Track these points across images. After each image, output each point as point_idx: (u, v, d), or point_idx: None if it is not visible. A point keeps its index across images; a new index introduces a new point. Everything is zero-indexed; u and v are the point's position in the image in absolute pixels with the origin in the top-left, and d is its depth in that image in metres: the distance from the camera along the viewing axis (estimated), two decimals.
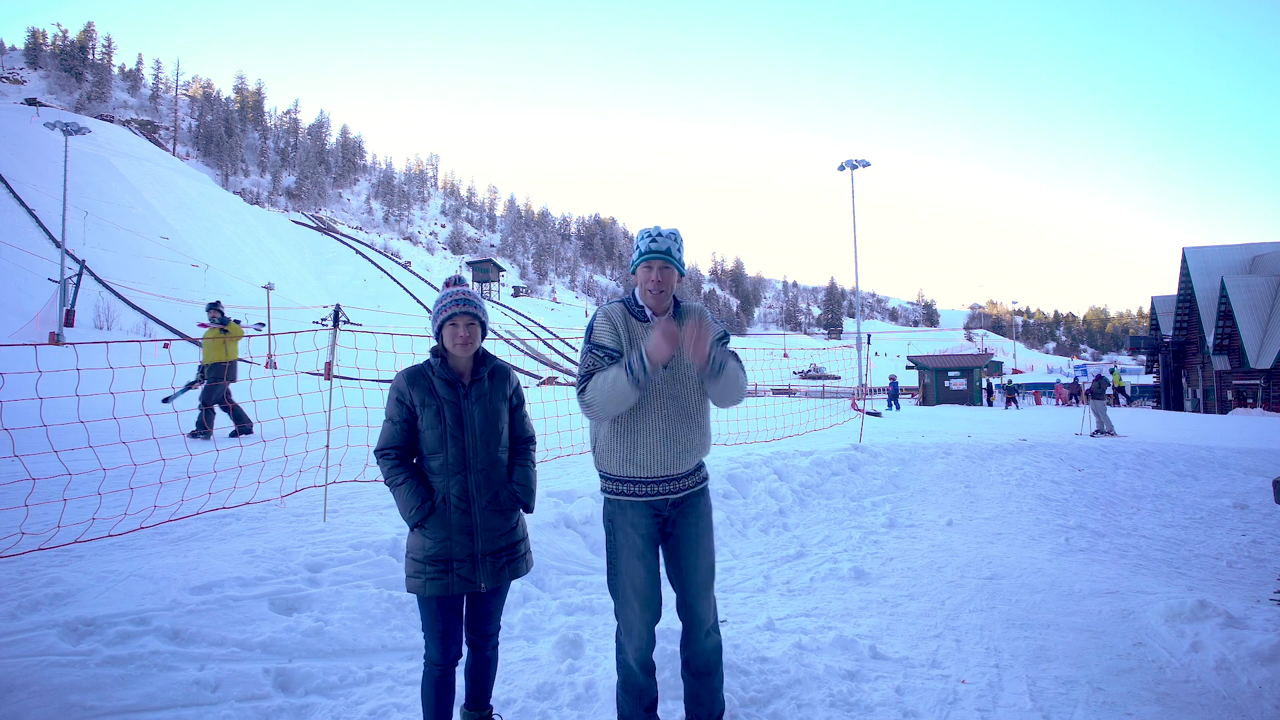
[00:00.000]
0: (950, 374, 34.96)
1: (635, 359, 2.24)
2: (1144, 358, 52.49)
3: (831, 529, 5.89)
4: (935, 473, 7.80)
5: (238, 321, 9.10)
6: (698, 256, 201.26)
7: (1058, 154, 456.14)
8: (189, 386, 8.19)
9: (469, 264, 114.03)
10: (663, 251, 2.39)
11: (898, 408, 24.06)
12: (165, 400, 6.78)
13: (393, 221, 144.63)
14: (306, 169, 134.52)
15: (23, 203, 50.95)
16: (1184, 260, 40.99)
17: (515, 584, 2.68)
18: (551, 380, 36.56)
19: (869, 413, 15.33)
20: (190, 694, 2.66)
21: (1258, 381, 34.33)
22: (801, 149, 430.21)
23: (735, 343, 2.69)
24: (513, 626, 3.61)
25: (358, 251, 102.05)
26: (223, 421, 8.44)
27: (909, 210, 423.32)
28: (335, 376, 5.11)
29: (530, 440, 2.61)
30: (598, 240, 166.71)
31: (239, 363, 8.93)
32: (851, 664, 3.23)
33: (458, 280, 2.51)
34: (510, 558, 2.45)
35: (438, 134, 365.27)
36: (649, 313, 2.46)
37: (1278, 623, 3.55)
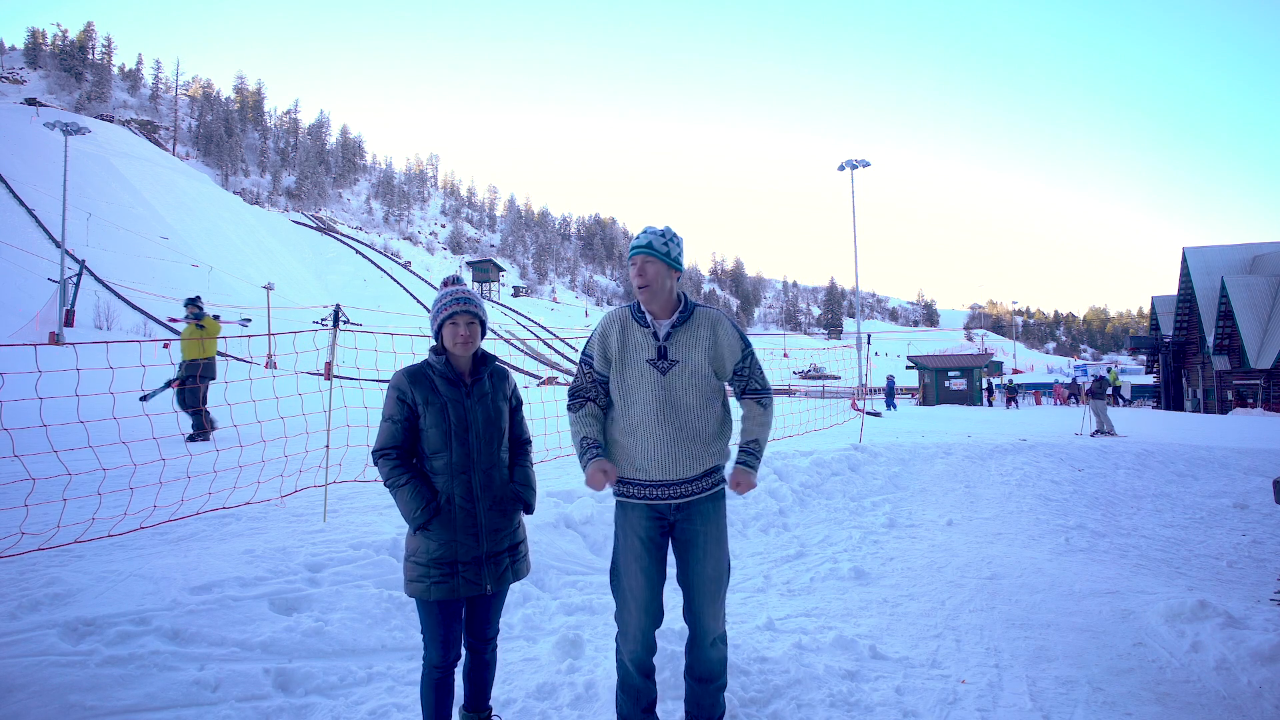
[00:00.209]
0: (950, 374, 34.99)
1: (584, 457, 2.44)
2: (1144, 358, 52.48)
3: (831, 529, 5.89)
4: (935, 473, 7.80)
5: (216, 317, 8.84)
6: (698, 256, 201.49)
7: (1058, 154, 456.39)
8: (168, 385, 8.00)
9: (469, 264, 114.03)
10: (643, 245, 2.38)
11: (894, 407, 24.11)
12: (143, 399, 6.68)
13: (393, 221, 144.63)
14: (306, 169, 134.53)
15: (22, 203, 50.94)
16: (1184, 260, 41.00)
17: (515, 584, 2.68)
18: (551, 380, 36.56)
19: (869, 413, 15.33)
20: (190, 694, 2.66)
21: (1258, 381, 34.34)
22: (801, 149, 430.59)
23: None
24: (513, 626, 3.61)
25: (358, 251, 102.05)
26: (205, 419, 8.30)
27: (909, 210, 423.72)
28: (335, 376, 5.11)
29: (529, 442, 2.61)
30: (598, 240, 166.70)
31: (217, 360, 8.56)
32: (851, 664, 3.23)
33: (456, 280, 2.50)
34: (513, 559, 2.45)
35: (438, 134, 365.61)
36: (648, 317, 2.44)
37: (1278, 623, 3.55)
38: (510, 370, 2.64)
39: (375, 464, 2.37)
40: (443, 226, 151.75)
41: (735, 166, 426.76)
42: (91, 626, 2.90)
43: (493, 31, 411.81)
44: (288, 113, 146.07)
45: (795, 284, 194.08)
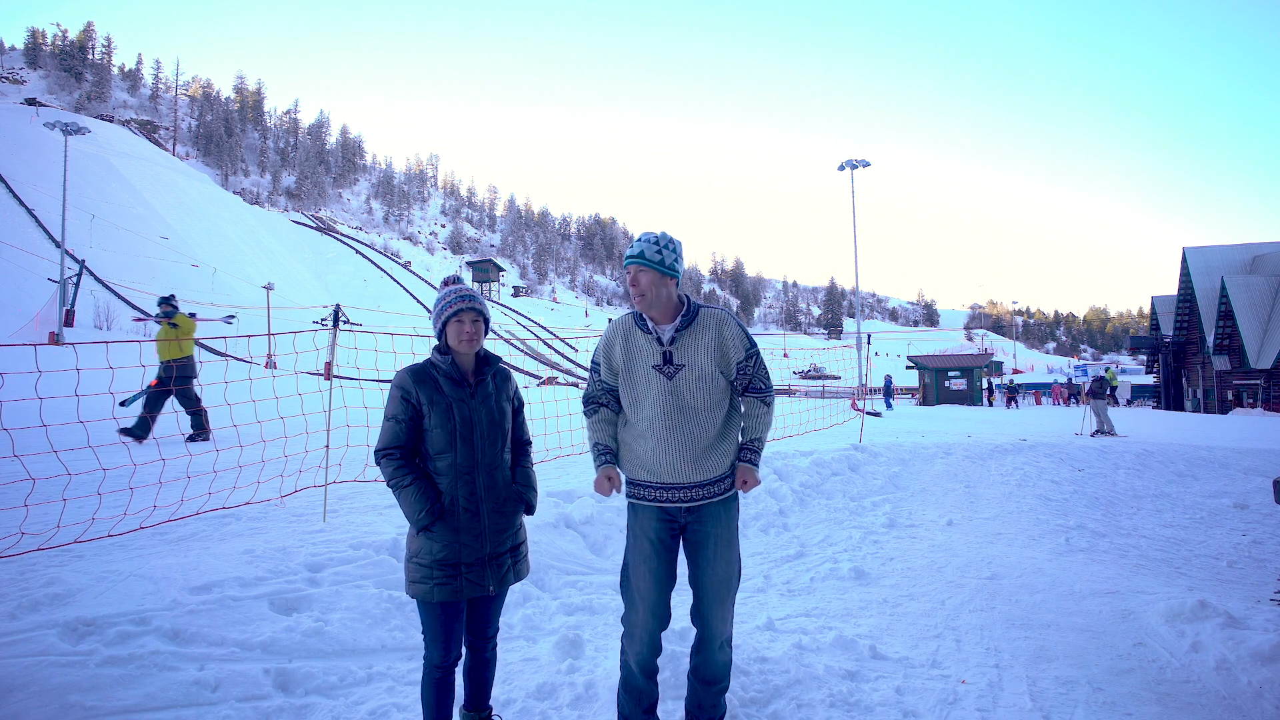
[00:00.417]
0: (950, 374, 35.00)
1: (596, 461, 2.52)
2: (1144, 358, 52.51)
3: (831, 529, 5.89)
4: (935, 473, 7.80)
5: (192, 315, 8.66)
6: (698, 256, 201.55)
7: (1058, 154, 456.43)
8: (149, 388, 7.78)
9: (469, 264, 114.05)
10: (635, 255, 2.37)
11: (891, 407, 24.15)
12: (123, 404, 6.50)
13: (393, 221, 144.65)
14: (306, 169, 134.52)
15: (22, 203, 50.94)
16: (1184, 260, 41.00)
17: (515, 584, 2.67)
18: (551, 380, 36.55)
19: (869, 413, 15.33)
20: (190, 694, 2.66)
21: (1258, 381, 34.35)
22: (801, 149, 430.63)
23: None
24: (513, 626, 3.61)
25: (358, 251, 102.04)
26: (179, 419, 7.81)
27: (909, 210, 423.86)
28: (335, 376, 5.11)
29: (529, 443, 2.62)
30: (598, 240, 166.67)
31: (194, 359, 8.32)
32: (851, 664, 3.23)
33: (456, 279, 2.49)
34: (514, 560, 2.45)
35: (438, 134, 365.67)
36: (650, 324, 2.44)
37: (1278, 623, 3.55)
38: (511, 370, 2.63)
39: (378, 464, 2.35)
40: (443, 226, 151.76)
41: (735, 166, 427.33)
42: (91, 626, 2.90)
43: (493, 31, 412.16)
44: (288, 113, 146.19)
45: (795, 284, 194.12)
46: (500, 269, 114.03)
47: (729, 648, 2.50)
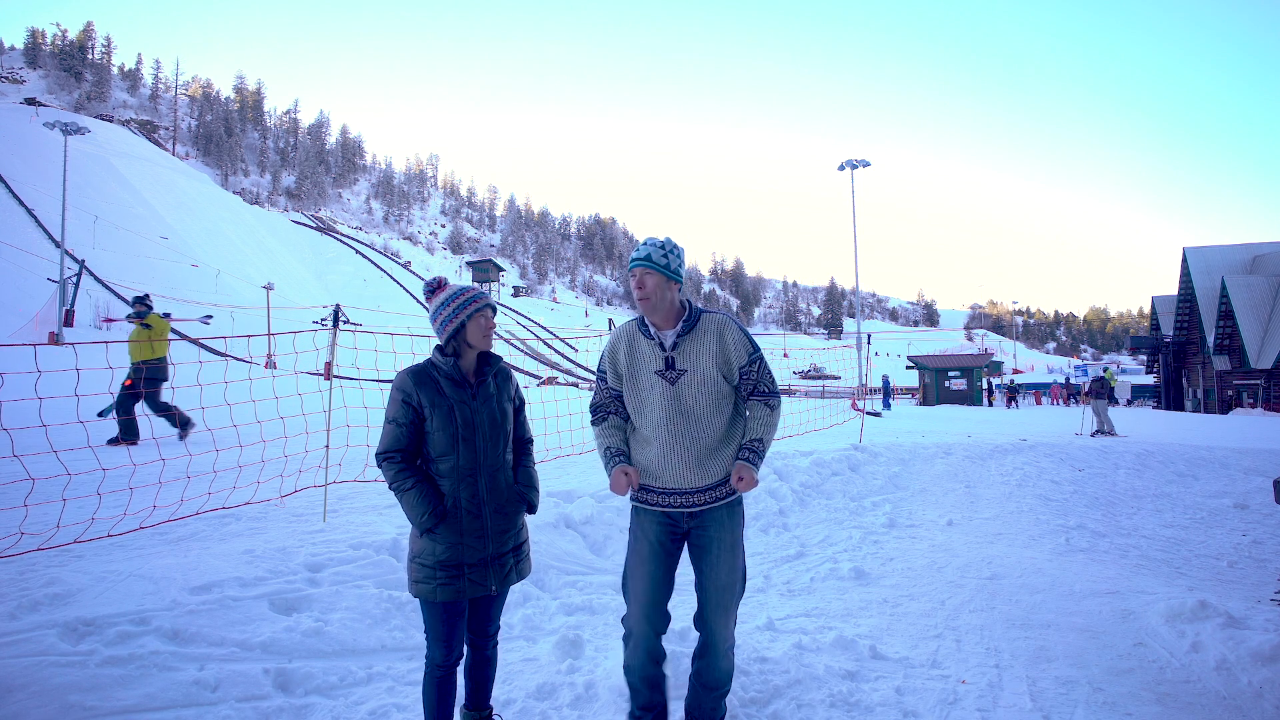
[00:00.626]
0: (950, 374, 34.99)
1: (608, 464, 2.47)
2: (1144, 358, 52.52)
3: (831, 529, 5.89)
4: (935, 473, 7.80)
5: (166, 315, 8.47)
6: (698, 256, 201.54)
7: (1058, 154, 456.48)
8: (123, 388, 7.53)
9: (469, 264, 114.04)
10: (642, 258, 2.38)
11: (889, 407, 24.18)
12: (101, 414, 6.35)
13: (393, 221, 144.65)
14: (306, 169, 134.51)
15: (22, 203, 50.94)
16: (1184, 260, 41.01)
17: (516, 584, 2.67)
18: (551, 380, 36.55)
19: (869, 413, 15.33)
20: (190, 694, 2.66)
21: (1258, 381, 34.36)
22: (801, 149, 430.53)
23: None
24: (513, 626, 3.61)
25: (358, 251, 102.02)
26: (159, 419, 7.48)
27: (909, 210, 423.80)
28: (335, 376, 5.11)
29: (530, 441, 2.62)
30: (598, 240, 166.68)
31: (167, 360, 8.04)
32: (851, 664, 3.23)
33: (444, 282, 2.45)
34: (516, 559, 2.46)
35: (438, 134, 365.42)
36: (652, 329, 2.45)
37: (1278, 623, 3.55)
38: (511, 370, 2.63)
39: (379, 467, 2.34)
40: (443, 226, 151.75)
41: (735, 166, 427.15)
42: (91, 626, 2.90)
43: (493, 31, 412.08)
44: (288, 113, 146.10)
45: (795, 284, 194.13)
46: (500, 269, 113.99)
47: (732, 653, 2.50)
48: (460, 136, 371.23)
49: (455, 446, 2.31)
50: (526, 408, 2.66)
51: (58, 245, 30.20)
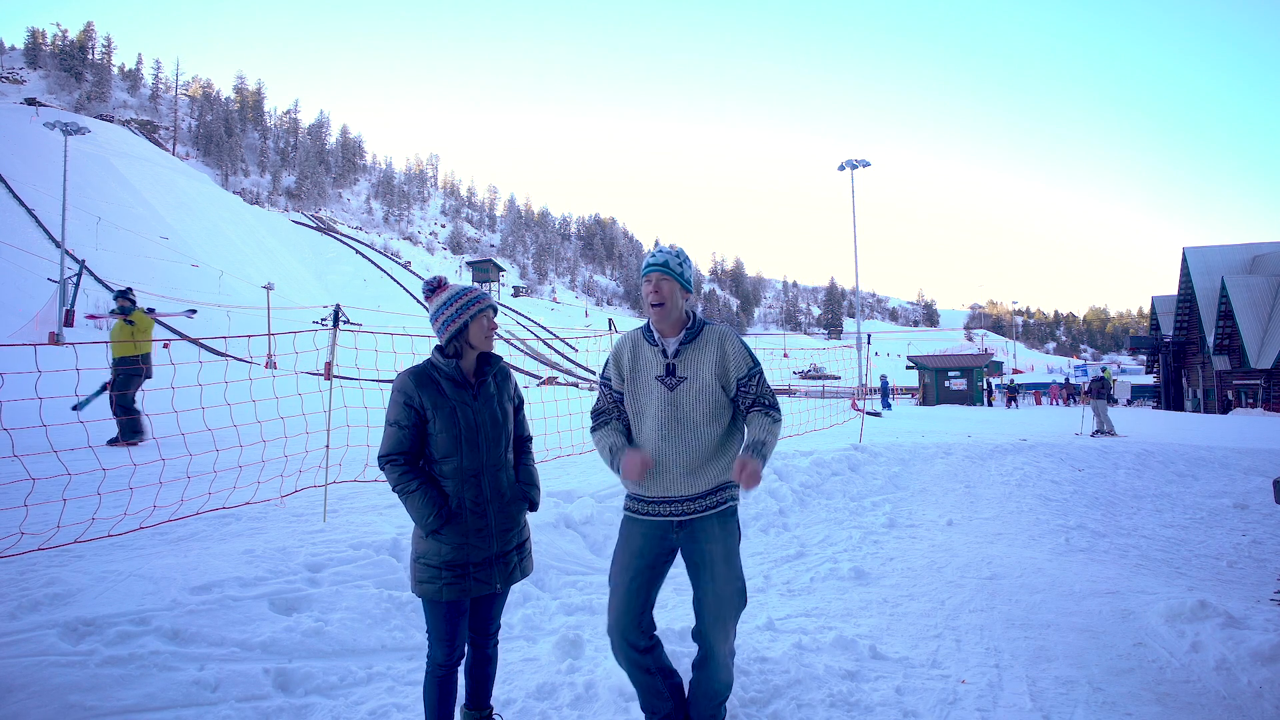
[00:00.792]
0: (950, 374, 34.99)
1: (615, 460, 2.42)
2: (1144, 358, 52.53)
3: (831, 529, 5.89)
4: (935, 473, 7.80)
5: (150, 310, 8.28)
6: (698, 256, 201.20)
7: (1058, 154, 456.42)
8: (103, 389, 7.35)
9: (469, 264, 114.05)
10: (659, 264, 2.43)
11: (888, 406, 24.17)
12: (75, 408, 6.19)
13: (393, 221, 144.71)
14: (306, 169, 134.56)
15: (22, 203, 50.94)
16: (1184, 260, 41.02)
17: (516, 584, 2.68)
18: (551, 380, 36.54)
19: (869, 413, 15.33)
20: (190, 694, 2.66)
21: (1258, 381, 34.37)
22: (801, 149, 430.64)
23: None
24: (513, 626, 3.61)
25: (358, 251, 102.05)
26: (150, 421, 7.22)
27: (909, 210, 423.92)
28: (335, 376, 5.11)
29: (530, 439, 2.63)
30: (598, 240, 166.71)
31: (149, 357, 7.75)
32: (851, 664, 3.23)
33: (442, 282, 2.46)
34: (520, 557, 2.47)
35: (438, 134, 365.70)
36: (657, 336, 2.48)
37: (1278, 623, 3.55)
38: (510, 370, 2.63)
39: (381, 469, 2.33)
40: (443, 226, 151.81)
41: (735, 166, 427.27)
42: (91, 626, 2.90)
43: (493, 32, 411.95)
44: (288, 113, 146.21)
45: (795, 284, 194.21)
46: (500, 269, 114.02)
47: (731, 665, 2.47)
48: (460, 136, 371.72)
49: (459, 447, 2.31)
50: (526, 407, 2.67)
51: (58, 245, 30.20)
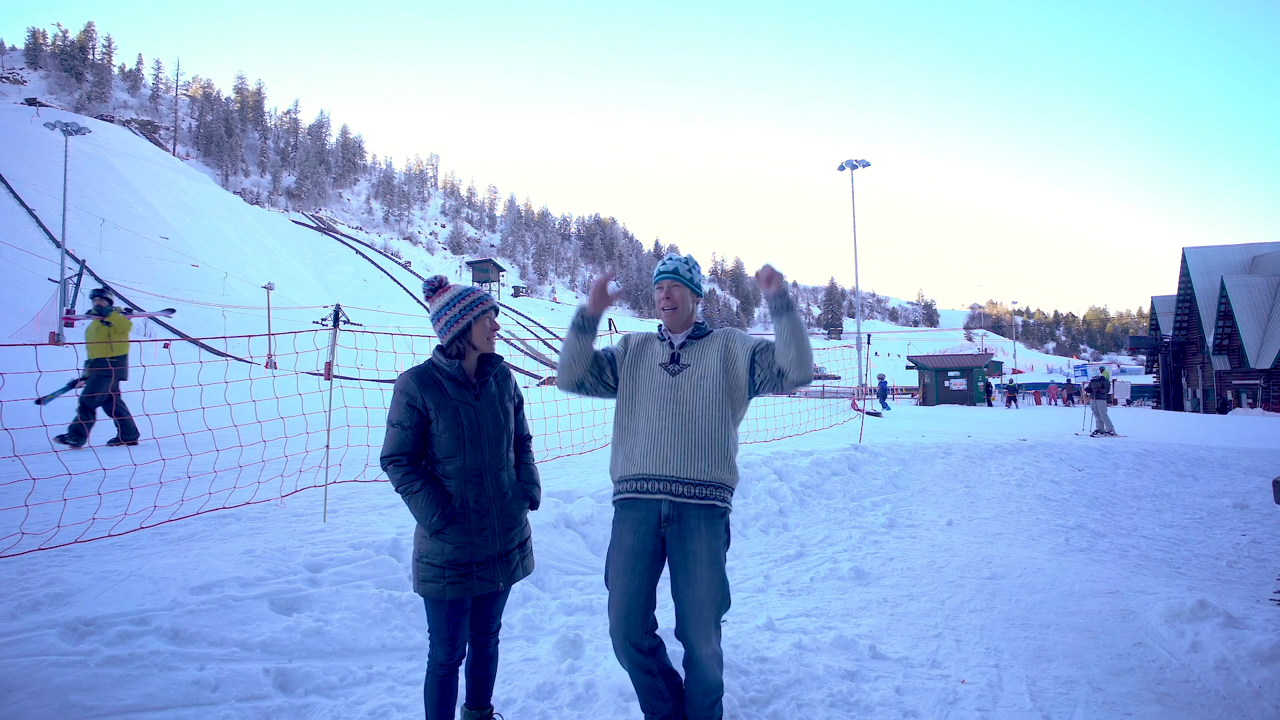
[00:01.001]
0: (950, 374, 35.01)
1: (574, 314, 2.47)
2: (1144, 358, 52.53)
3: (831, 529, 5.89)
4: (935, 473, 7.80)
5: (128, 311, 7.96)
6: (698, 256, 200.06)
7: (1058, 154, 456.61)
8: (71, 386, 7.06)
9: (469, 264, 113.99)
10: (670, 271, 2.55)
11: (886, 407, 24.18)
12: (39, 402, 6.10)
13: (393, 221, 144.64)
14: (306, 169, 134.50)
15: (23, 203, 50.93)
16: (1184, 260, 41.02)
17: (515, 584, 2.68)
18: (551, 380, 36.48)
19: (870, 413, 15.33)
20: (190, 694, 2.66)
21: (1257, 381, 34.37)
22: (801, 149, 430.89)
23: None
24: (513, 626, 3.61)
25: (358, 251, 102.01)
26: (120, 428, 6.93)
27: (909, 210, 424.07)
28: (335, 376, 5.11)
29: (530, 439, 2.65)
30: (598, 240, 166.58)
31: (125, 359, 7.55)
32: (851, 664, 3.23)
33: (443, 281, 2.47)
34: (522, 555, 2.48)
35: (438, 134, 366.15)
36: (665, 333, 2.59)
37: (1278, 623, 3.55)
38: (511, 369, 2.64)
39: (384, 470, 2.34)
40: (443, 226, 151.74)
41: (735, 166, 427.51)
42: (91, 626, 2.90)
43: (493, 31, 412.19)
44: (288, 113, 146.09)
45: (795, 284, 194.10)
46: (500, 269, 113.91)
47: (717, 663, 2.44)
48: (460, 136, 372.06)
49: (461, 447, 2.32)
50: (526, 407, 2.67)
51: (58, 245, 30.20)
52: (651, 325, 2.72)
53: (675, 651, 2.95)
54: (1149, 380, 50.39)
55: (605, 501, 5.42)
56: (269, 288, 46.94)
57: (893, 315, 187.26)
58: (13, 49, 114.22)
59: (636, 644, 2.38)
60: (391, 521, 4.60)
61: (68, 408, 6.61)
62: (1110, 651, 3.47)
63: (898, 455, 8.21)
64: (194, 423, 4.79)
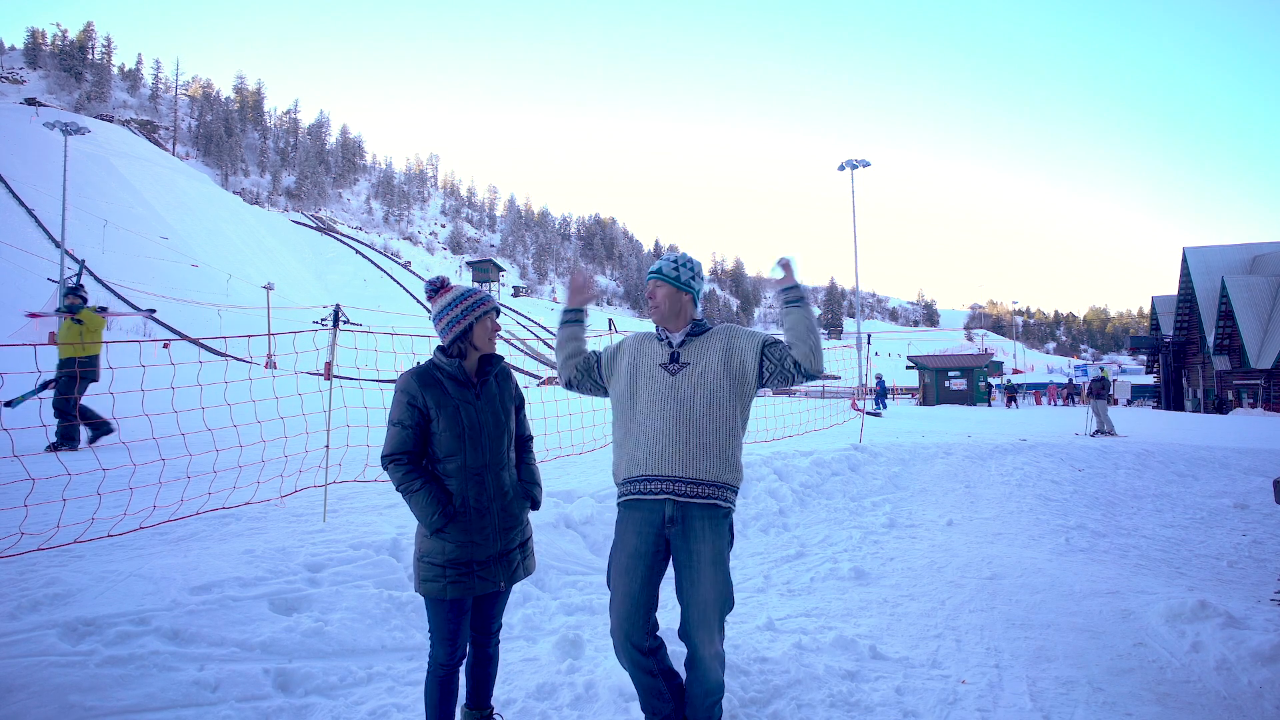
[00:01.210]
0: (950, 374, 35.02)
1: (561, 315, 2.77)
2: (1144, 358, 52.53)
3: (831, 529, 5.89)
4: (935, 473, 7.80)
5: (102, 309, 7.82)
6: (698, 257, 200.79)
7: (1058, 154, 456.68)
8: (44, 387, 6.72)
9: (469, 264, 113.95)
10: (655, 271, 2.58)
11: (884, 406, 24.17)
12: (9, 404, 5.85)
13: (393, 221, 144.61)
14: (306, 169, 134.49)
15: (23, 203, 50.93)
16: (1184, 260, 41.03)
17: (516, 584, 2.68)
18: (551, 380, 36.51)
19: (870, 413, 15.33)
20: (190, 694, 2.66)
21: (1258, 381, 34.37)
22: (801, 149, 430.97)
23: None
24: (513, 626, 3.61)
25: (358, 251, 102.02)
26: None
27: (909, 210, 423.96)
28: (335, 376, 5.11)
29: (531, 439, 2.65)
30: (598, 240, 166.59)
31: (97, 359, 7.17)
32: (851, 664, 3.23)
33: (444, 282, 2.47)
34: (523, 555, 2.48)
35: (438, 134, 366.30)
36: (663, 332, 2.58)
37: (1278, 623, 3.55)
38: (511, 369, 2.64)
39: (385, 469, 2.34)
40: (443, 226, 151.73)
41: (735, 166, 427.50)
42: (91, 626, 2.90)
43: (493, 31, 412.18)
44: (288, 113, 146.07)
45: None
46: (500, 269, 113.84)
47: (719, 664, 2.43)
48: (460, 136, 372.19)
49: (462, 446, 2.32)
50: (526, 407, 2.67)
51: (58, 245, 30.19)
52: (652, 325, 2.73)
53: (676, 652, 2.95)
54: (1149, 380, 50.37)
55: (605, 501, 5.42)
56: (269, 288, 46.94)
57: (893, 315, 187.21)
58: (12, 49, 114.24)
59: (637, 644, 2.38)
60: (391, 521, 4.60)
61: (39, 411, 6.42)
62: (1111, 652, 3.47)
63: (898, 455, 8.21)
64: (194, 423, 4.79)
